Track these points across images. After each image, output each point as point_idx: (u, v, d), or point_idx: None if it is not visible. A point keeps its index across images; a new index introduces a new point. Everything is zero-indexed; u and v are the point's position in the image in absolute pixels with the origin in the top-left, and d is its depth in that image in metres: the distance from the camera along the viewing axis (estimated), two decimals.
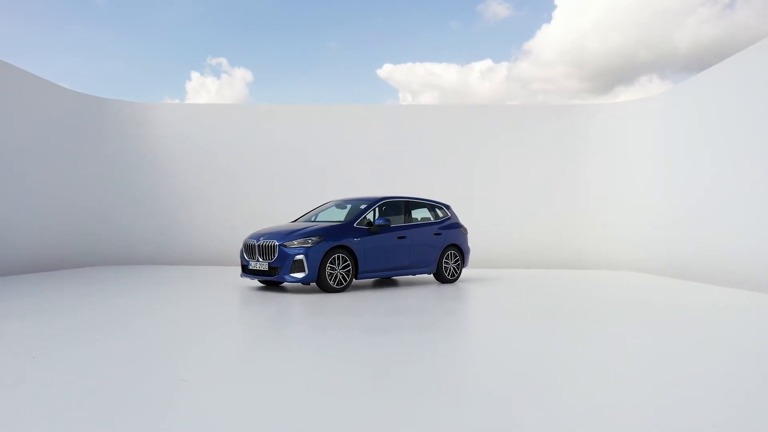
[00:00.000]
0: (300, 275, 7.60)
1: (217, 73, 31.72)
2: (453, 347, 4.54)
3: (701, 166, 10.53)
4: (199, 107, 14.49)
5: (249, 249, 8.16)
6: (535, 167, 13.76)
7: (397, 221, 8.89)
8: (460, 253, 9.70)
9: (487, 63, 33.17)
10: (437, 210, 9.72)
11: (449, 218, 9.77)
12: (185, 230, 13.74)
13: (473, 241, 10.95)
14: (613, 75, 30.12)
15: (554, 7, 30.27)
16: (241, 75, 31.66)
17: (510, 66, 32.93)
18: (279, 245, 7.72)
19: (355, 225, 8.23)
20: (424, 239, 9.10)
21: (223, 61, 30.90)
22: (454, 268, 9.56)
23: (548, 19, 31.24)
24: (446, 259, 9.43)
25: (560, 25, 29.79)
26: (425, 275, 10.65)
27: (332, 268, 7.78)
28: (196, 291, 8.07)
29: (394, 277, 10.01)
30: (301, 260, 7.58)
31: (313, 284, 8.04)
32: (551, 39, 30.47)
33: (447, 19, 29.72)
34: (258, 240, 8.01)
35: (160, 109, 14.16)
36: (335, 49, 29.83)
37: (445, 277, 9.42)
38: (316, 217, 9.15)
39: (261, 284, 8.83)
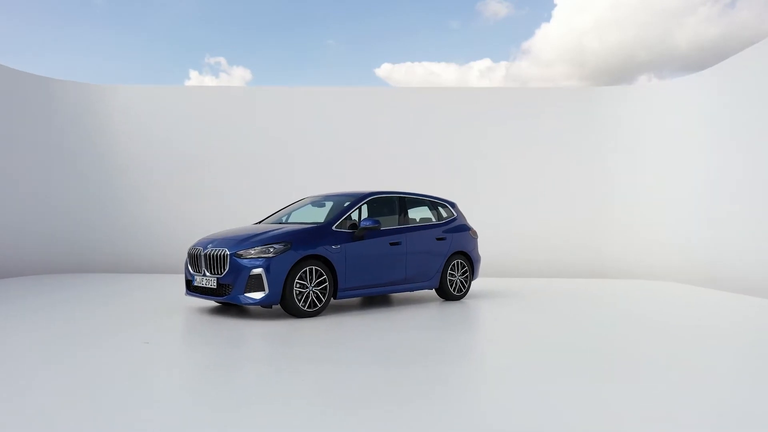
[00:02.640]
0: (258, 295, 5.67)
1: (215, 72, 31.41)
2: None
3: (752, 157, 8.63)
4: (163, 90, 12.52)
5: (194, 259, 6.23)
6: (551, 159, 11.84)
7: (390, 223, 6.98)
8: (469, 262, 7.79)
9: (486, 62, 32.93)
10: (440, 209, 7.80)
11: (455, 219, 7.85)
12: (146, 232, 11.79)
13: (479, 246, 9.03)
14: (612, 74, 30.20)
15: (554, 6, 30.14)
16: (240, 74, 31.16)
17: (509, 65, 32.95)
18: (230, 255, 5.79)
19: (334, 228, 6.30)
20: (424, 246, 7.18)
21: (222, 60, 30.55)
22: (461, 282, 7.65)
23: (548, 18, 31.20)
24: (452, 270, 7.51)
25: (560, 25, 29.77)
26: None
27: (303, 286, 5.86)
28: (129, 315, 6.14)
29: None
30: (259, 275, 5.65)
31: (279, 306, 6.11)
32: (551, 38, 30.49)
33: (446, 19, 29.98)
34: (205, 248, 6.08)
35: (118, 92, 12.21)
36: (334, 47, 30.25)
37: (451, 292, 7.50)
38: (288, 218, 7.23)
39: (217, 303, 6.90)
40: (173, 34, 26.97)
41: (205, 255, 5.99)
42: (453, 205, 8.03)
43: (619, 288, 9.65)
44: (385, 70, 31.89)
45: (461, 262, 7.64)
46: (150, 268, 11.53)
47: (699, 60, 26.85)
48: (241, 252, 5.76)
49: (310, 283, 5.90)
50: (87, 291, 8.39)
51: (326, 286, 6.03)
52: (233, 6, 27.77)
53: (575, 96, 12.08)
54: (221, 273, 5.82)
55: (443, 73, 33.27)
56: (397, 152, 11.93)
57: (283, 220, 7.14)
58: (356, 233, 6.38)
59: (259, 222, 7.29)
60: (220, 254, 5.85)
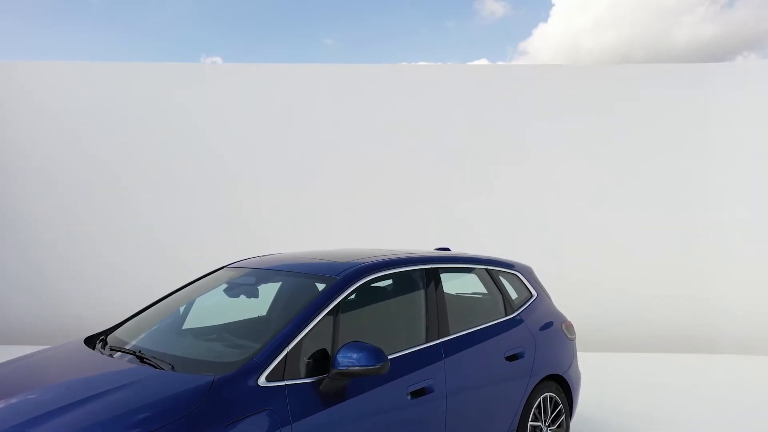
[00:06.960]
0: None
1: None
2: None
3: None
4: (77, 67, 8.41)
5: None
6: (636, 168, 7.97)
7: (409, 336, 3.04)
8: (566, 393, 3.87)
9: (483, 62, 32.04)
10: (503, 281, 3.85)
11: (533, 302, 3.91)
12: (63, 285, 7.92)
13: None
14: None
15: (551, 5, 29.14)
16: None
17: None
18: None
19: (265, 378, 2.35)
20: (481, 378, 3.23)
21: (218, 59, 30.29)
22: None
23: (545, 18, 31.22)
24: (534, 416, 3.60)
25: (557, 24, 29.82)
26: None
27: None
28: None
29: None
30: None
31: None
32: (548, 38, 31.01)
33: (443, 18, 29.38)
34: None
35: (12, 72, 8.26)
36: (331, 47, 29.41)
37: None
38: (184, 319, 3.27)
39: None
40: (169, 33, 28.02)
41: None
42: (527, 272, 4.08)
43: None
44: None
45: (553, 397, 3.72)
46: (68, 333, 7.59)
47: (696, 59, 26.95)
48: None
49: None
50: None
51: None
52: (230, 5, 28.19)
53: (669, 75, 8.14)
54: None
55: None
56: (395, 157, 8.05)
57: (175, 326, 3.19)
58: (324, 386, 2.46)
59: (101, 338, 3.12)
60: None
